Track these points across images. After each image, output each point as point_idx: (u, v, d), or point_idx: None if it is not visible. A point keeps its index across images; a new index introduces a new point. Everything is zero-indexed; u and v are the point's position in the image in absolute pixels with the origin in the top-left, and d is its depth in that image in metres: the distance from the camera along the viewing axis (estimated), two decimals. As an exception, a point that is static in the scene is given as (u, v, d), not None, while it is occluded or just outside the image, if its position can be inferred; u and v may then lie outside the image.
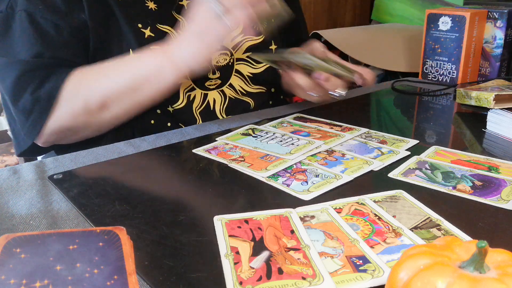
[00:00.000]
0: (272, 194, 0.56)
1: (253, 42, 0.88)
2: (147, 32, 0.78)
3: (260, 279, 0.40)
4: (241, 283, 0.39)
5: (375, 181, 0.60)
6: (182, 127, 0.82)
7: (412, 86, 1.11)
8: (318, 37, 1.62)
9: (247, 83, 0.88)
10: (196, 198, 0.56)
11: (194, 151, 0.69)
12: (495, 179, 0.58)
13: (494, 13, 1.08)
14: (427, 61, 1.15)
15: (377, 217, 0.49)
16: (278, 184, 0.58)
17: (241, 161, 0.64)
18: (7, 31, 0.74)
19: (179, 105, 0.81)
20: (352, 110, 0.92)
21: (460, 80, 1.10)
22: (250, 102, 0.90)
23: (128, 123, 0.79)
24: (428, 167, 0.62)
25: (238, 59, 0.87)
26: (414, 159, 0.65)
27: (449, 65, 1.11)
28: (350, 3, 2.10)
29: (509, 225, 0.49)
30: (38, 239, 0.37)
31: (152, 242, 0.46)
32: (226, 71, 0.86)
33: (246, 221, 0.49)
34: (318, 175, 0.60)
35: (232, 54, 0.86)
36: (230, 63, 0.86)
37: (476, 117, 0.85)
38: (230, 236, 0.46)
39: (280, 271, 0.41)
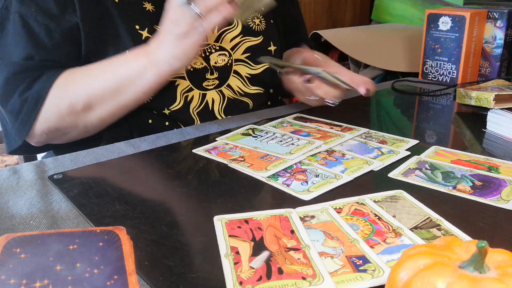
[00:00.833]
0: (272, 194, 0.56)
1: (252, 43, 0.88)
2: (145, 34, 0.78)
3: (260, 279, 0.40)
4: (241, 283, 0.39)
5: (375, 181, 0.60)
6: (180, 126, 0.83)
7: (412, 86, 1.11)
8: (318, 37, 1.62)
9: (245, 84, 0.88)
10: (196, 198, 0.56)
11: (194, 151, 0.69)
12: (495, 179, 0.58)
13: (494, 13, 1.08)
14: (427, 61, 1.15)
15: (377, 217, 0.49)
16: (278, 184, 0.58)
17: (241, 161, 0.64)
18: (2, 32, 0.75)
19: (176, 106, 0.81)
20: (352, 110, 0.92)
21: (460, 80, 1.10)
22: (249, 103, 0.90)
23: (126, 123, 0.79)
24: (428, 167, 0.62)
25: (236, 60, 0.87)
26: (414, 159, 0.65)
27: (449, 65, 1.11)
28: (350, 3, 2.10)
29: (509, 225, 0.49)
30: (38, 239, 0.37)
31: (152, 242, 0.46)
32: (224, 72, 0.86)
33: (246, 221, 0.49)
34: (318, 175, 0.60)
35: (230, 55, 0.86)
36: (228, 64, 0.86)
37: (476, 117, 0.85)
38: (230, 236, 0.46)
39: (280, 271, 0.41)
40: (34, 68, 0.74)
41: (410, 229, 0.47)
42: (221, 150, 0.69)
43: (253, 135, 0.74)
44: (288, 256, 0.43)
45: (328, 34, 1.59)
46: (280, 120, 0.82)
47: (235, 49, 0.87)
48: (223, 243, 0.45)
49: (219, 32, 0.86)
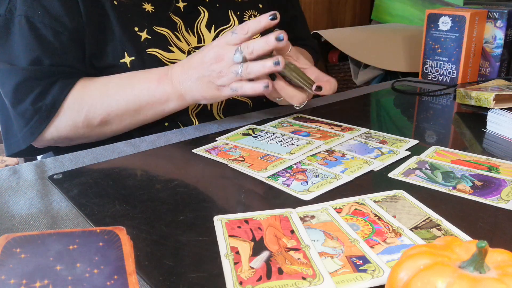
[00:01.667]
0: (272, 194, 0.56)
1: None
2: (144, 35, 0.78)
3: (260, 279, 0.40)
4: (241, 283, 0.39)
5: (375, 181, 0.60)
6: (180, 126, 0.82)
7: (412, 86, 1.11)
8: (318, 37, 1.62)
9: None
10: (196, 198, 0.56)
11: (194, 151, 0.69)
12: (495, 179, 0.58)
13: (494, 13, 1.08)
14: (427, 61, 1.15)
15: (377, 217, 0.49)
16: (278, 184, 0.58)
17: (241, 161, 0.64)
18: (7, 36, 0.74)
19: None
20: (352, 110, 0.92)
21: (460, 80, 1.10)
22: (248, 102, 0.90)
23: None
24: (428, 167, 0.62)
25: None
26: (414, 159, 0.65)
27: (449, 65, 1.11)
28: (350, 3, 2.10)
29: (509, 225, 0.49)
30: (38, 239, 0.37)
31: (152, 242, 0.46)
32: None
33: (246, 221, 0.49)
34: (318, 175, 0.60)
35: None
36: None
37: (476, 117, 0.85)
38: (230, 236, 0.46)
39: (280, 271, 0.41)
40: (45, 75, 0.73)
41: (410, 229, 0.47)
42: (221, 150, 0.69)
43: (253, 135, 0.74)
44: (288, 256, 0.43)
45: (328, 34, 1.59)
46: (280, 120, 0.82)
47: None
48: (223, 243, 0.45)
49: (216, 32, 0.86)
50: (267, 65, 0.67)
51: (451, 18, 1.08)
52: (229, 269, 0.41)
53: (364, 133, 0.75)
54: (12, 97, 0.74)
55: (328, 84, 0.74)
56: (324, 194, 0.55)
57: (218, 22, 0.86)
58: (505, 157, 0.66)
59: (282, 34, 0.68)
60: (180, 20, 0.82)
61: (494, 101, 0.79)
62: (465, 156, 0.66)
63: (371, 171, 0.61)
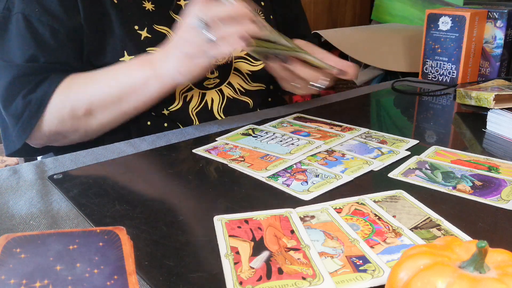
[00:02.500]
0: (272, 194, 0.56)
1: None
2: (144, 34, 0.78)
3: (260, 279, 0.40)
4: (241, 283, 0.39)
5: (375, 181, 0.60)
6: (179, 127, 0.82)
7: (412, 86, 1.11)
8: (318, 37, 1.62)
9: (246, 81, 0.88)
10: (196, 198, 0.56)
11: (194, 151, 0.69)
12: (495, 179, 0.58)
13: (494, 13, 1.08)
14: (427, 61, 1.15)
15: (377, 217, 0.49)
16: (278, 184, 0.58)
17: (241, 161, 0.64)
18: (4, 33, 0.74)
19: (174, 107, 0.81)
20: (352, 110, 0.92)
21: (460, 80, 1.10)
22: (249, 102, 0.90)
23: (125, 125, 0.79)
24: (428, 167, 0.62)
25: (237, 57, 0.87)
26: (414, 159, 0.65)
27: (449, 65, 1.11)
28: (350, 3, 2.10)
29: (509, 225, 0.49)
30: (38, 239, 0.37)
31: (152, 242, 0.46)
32: (224, 70, 0.86)
33: (246, 221, 0.49)
34: (318, 175, 0.60)
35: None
36: (229, 61, 0.86)
37: (476, 117, 0.85)
38: (230, 236, 0.46)
39: (280, 271, 0.41)
40: (38, 71, 0.74)
41: (410, 229, 0.47)
42: (221, 150, 0.69)
43: (253, 135, 0.74)
44: (288, 256, 0.43)
45: (328, 34, 1.59)
46: (280, 120, 0.82)
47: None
48: (223, 243, 0.45)
49: None
50: (241, 25, 0.67)
51: (451, 18, 1.08)
52: (229, 269, 0.41)
53: (364, 133, 0.75)
54: (4, 95, 0.74)
55: (351, 69, 0.76)
56: (324, 194, 0.55)
57: None
58: (505, 157, 0.66)
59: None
60: (181, 19, 0.82)
61: (494, 101, 0.79)
62: (465, 156, 0.66)
63: (371, 171, 0.61)
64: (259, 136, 0.74)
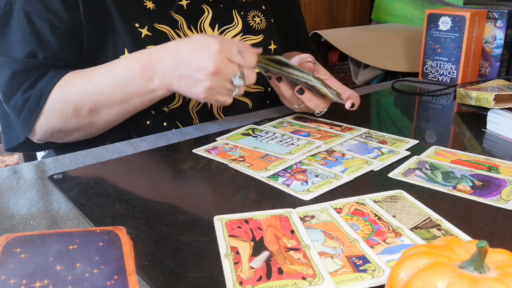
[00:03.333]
0: (272, 194, 0.56)
1: (253, 41, 0.88)
2: (144, 32, 0.78)
3: (260, 279, 0.40)
4: (241, 283, 0.39)
5: (375, 181, 0.60)
6: (179, 126, 0.82)
7: (412, 86, 1.11)
8: (318, 37, 1.62)
9: None
10: (196, 198, 0.56)
11: (194, 151, 0.69)
12: (495, 179, 0.58)
13: (494, 13, 1.08)
14: (427, 61, 1.15)
15: (377, 217, 0.49)
16: (278, 184, 0.58)
17: (241, 161, 0.64)
18: (5, 29, 0.75)
19: (174, 104, 0.81)
20: (352, 110, 0.91)
21: (460, 80, 1.10)
22: (248, 103, 0.90)
23: (124, 124, 0.79)
24: (428, 167, 0.62)
25: None
26: (414, 159, 0.65)
27: (449, 65, 1.11)
28: (350, 3, 2.10)
29: (509, 225, 0.49)
30: (38, 239, 0.37)
31: (152, 242, 0.46)
32: None
33: (246, 221, 0.49)
34: (318, 175, 0.60)
35: None
36: None
37: (476, 117, 0.85)
38: (230, 236, 0.46)
39: (280, 271, 0.41)
40: (38, 67, 0.74)
41: (410, 229, 0.47)
42: (221, 150, 0.69)
43: (253, 135, 0.74)
44: (288, 256, 0.43)
45: (328, 34, 1.59)
46: (280, 120, 0.82)
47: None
48: (223, 243, 0.45)
49: (219, 31, 0.86)
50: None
51: (451, 18, 1.08)
52: (229, 269, 0.41)
53: (364, 133, 0.75)
54: (5, 90, 0.75)
55: (357, 100, 0.79)
56: (324, 194, 0.55)
57: (222, 21, 0.86)
58: (505, 157, 0.66)
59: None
60: (182, 18, 0.82)
61: (494, 101, 0.79)
62: (465, 156, 0.66)
63: (371, 171, 0.61)
64: (259, 136, 0.74)
